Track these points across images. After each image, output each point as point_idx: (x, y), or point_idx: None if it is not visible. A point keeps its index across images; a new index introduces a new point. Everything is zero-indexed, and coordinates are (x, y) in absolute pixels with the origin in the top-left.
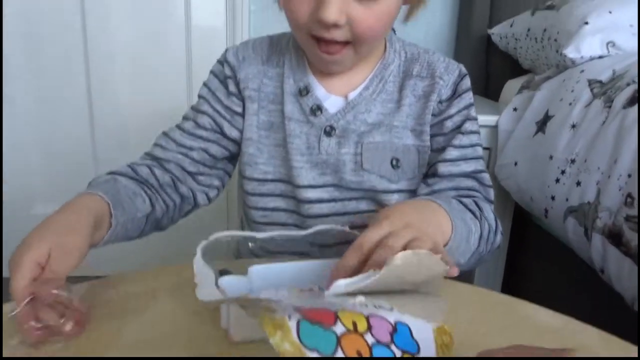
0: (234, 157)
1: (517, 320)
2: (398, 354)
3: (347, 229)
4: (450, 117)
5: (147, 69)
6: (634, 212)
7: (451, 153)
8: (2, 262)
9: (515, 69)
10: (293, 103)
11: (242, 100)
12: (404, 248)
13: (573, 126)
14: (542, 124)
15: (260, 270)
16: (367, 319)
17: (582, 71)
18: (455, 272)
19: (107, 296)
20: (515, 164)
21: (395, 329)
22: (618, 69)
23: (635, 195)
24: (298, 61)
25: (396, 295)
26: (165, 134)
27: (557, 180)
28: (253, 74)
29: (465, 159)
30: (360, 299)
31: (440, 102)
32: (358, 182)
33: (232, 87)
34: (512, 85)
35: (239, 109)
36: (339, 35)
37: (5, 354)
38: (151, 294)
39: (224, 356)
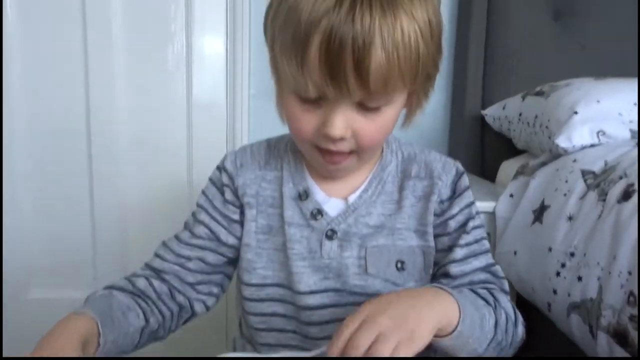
0: (233, 262)
1: None
2: None
3: None
4: (453, 217)
5: (148, 151)
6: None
7: (459, 252)
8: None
9: (510, 148)
10: (293, 207)
11: (240, 207)
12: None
13: (570, 218)
14: (539, 214)
15: None
16: None
17: (575, 160)
18: None
19: None
20: (515, 253)
21: None
22: (610, 160)
23: (636, 293)
24: (296, 165)
25: None
26: (164, 243)
27: (558, 274)
28: (251, 180)
29: (474, 255)
30: None
31: (441, 202)
32: (362, 287)
33: (228, 195)
34: (508, 166)
35: (236, 217)
36: (344, 147)
37: None
38: None
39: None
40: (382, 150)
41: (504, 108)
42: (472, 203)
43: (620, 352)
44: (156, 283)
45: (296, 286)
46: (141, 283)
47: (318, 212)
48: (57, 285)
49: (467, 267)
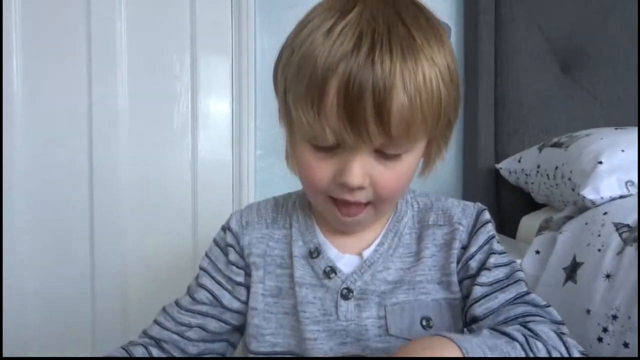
0: (237, 329)
1: None
2: None
3: None
4: (472, 256)
5: (151, 214)
6: None
7: (481, 290)
8: None
9: (527, 202)
10: (303, 266)
11: (245, 268)
12: None
13: (608, 276)
14: (571, 272)
15: None
16: None
17: (606, 213)
18: None
19: None
20: None
21: None
22: None
23: None
24: (306, 221)
25: None
26: (164, 310)
27: (600, 340)
28: (257, 239)
29: (500, 289)
30: None
31: (462, 247)
32: (385, 350)
33: (232, 256)
34: (528, 222)
35: (240, 279)
36: (362, 197)
37: None
38: None
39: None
40: (397, 202)
41: (519, 161)
42: (492, 237)
43: None
44: (155, 351)
45: (309, 353)
46: (139, 352)
47: (331, 270)
48: (56, 348)
49: (492, 303)
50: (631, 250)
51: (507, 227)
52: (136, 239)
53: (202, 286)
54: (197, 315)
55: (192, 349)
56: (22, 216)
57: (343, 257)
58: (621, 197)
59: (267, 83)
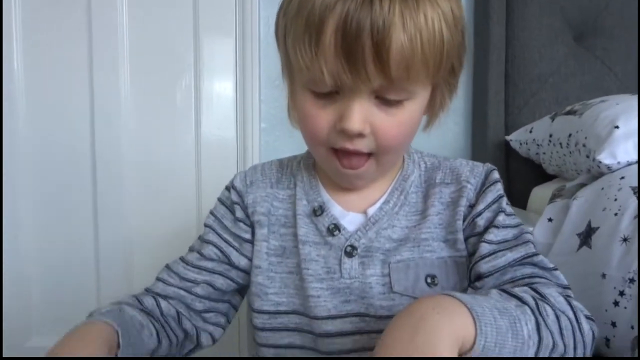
0: (241, 290)
1: None
2: None
3: None
4: (480, 214)
5: (155, 192)
6: None
7: (487, 248)
8: None
9: (538, 174)
10: (307, 224)
11: (251, 225)
12: None
13: (625, 240)
14: (585, 237)
15: None
16: None
17: (623, 178)
18: None
19: None
20: None
21: None
22: None
23: None
24: (311, 181)
25: None
26: (168, 267)
27: (617, 304)
28: (262, 198)
29: (509, 247)
30: None
31: (469, 206)
32: (389, 308)
33: (239, 213)
34: (540, 192)
35: (247, 236)
36: (362, 145)
37: None
38: None
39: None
40: (404, 161)
41: (530, 131)
42: (500, 197)
43: None
44: (163, 304)
45: (313, 311)
46: (149, 302)
47: (335, 227)
48: (59, 333)
49: (499, 261)
50: None
51: (517, 199)
52: (140, 218)
53: (209, 242)
54: (203, 272)
55: (199, 305)
56: (25, 198)
57: (347, 214)
58: (638, 161)
59: (271, 58)
